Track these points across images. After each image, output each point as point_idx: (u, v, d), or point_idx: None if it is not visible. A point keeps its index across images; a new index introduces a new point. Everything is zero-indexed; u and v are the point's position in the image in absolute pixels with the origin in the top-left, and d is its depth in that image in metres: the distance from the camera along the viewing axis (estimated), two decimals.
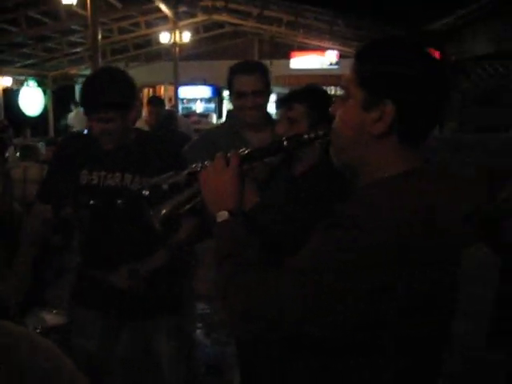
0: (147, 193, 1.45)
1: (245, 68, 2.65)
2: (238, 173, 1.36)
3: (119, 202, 1.61)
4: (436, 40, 10.59)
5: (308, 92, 2.20)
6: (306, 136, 1.41)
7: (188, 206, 1.46)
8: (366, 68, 1.21)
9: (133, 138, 2.37)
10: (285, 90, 2.60)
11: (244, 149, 1.41)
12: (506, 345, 2.17)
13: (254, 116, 2.61)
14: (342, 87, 1.27)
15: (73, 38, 13.55)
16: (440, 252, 1.16)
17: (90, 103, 2.23)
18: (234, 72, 2.65)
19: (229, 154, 1.39)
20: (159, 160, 2.28)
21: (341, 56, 16.53)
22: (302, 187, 2.05)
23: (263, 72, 2.66)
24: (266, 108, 2.68)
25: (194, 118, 15.62)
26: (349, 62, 1.27)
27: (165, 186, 1.44)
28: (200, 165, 1.43)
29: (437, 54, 10.76)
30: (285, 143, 1.41)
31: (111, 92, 2.18)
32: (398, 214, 1.12)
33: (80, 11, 9.35)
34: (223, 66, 2.75)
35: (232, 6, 13.37)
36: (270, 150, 1.42)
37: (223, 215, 1.32)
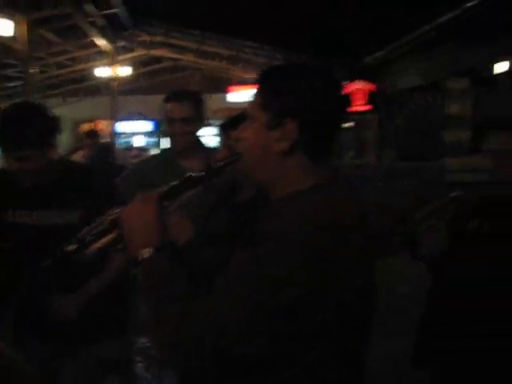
0: (74, 247, 1.44)
1: (175, 96, 2.69)
2: (158, 211, 1.36)
3: (45, 263, 1.58)
4: (371, 73, 10.96)
5: (243, 118, 2.22)
6: (218, 164, 1.43)
7: (118, 247, 1.45)
8: (268, 91, 1.29)
9: (57, 172, 2.30)
10: None
11: (164, 187, 1.42)
12: (432, 362, 2.23)
13: (182, 142, 2.63)
14: (247, 112, 1.34)
15: (8, 73, 13.35)
16: (356, 264, 1.20)
17: (4, 142, 2.14)
18: (166, 100, 2.70)
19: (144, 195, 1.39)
20: (89, 193, 2.24)
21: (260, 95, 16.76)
22: (242, 214, 2.06)
23: (194, 100, 2.69)
24: (195, 135, 2.71)
25: (134, 152, 15.52)
26: None
27: (89, 239, 1.43)
28: (120, 209, 1.43)
29: (372, 87, 11.13)
30: (193, 175, 1.42)
31: (27, 131, 2.08)
32: (311, 227, 1.16)
33: (16, 45, 9.24)
34: (162, 101, 2.78)
35: (170, 41, 13.47)
36: (186, 184, 1.43)
37: (146, 252, 1.31)
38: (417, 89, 10.28)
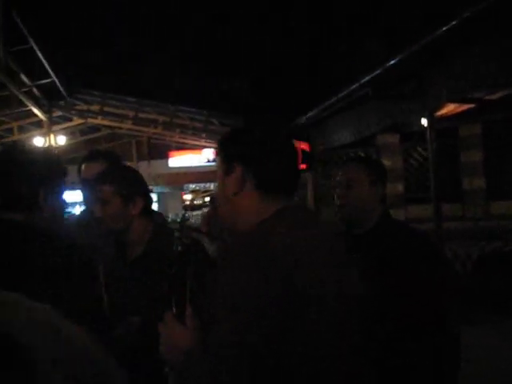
0: None
1: (89, 156, 2.73)
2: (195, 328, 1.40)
3: None
4: (304, 132, 11.29)
5: (114, 172, 2.28)
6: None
7: None
8: (221, 144, 1.57)
9: None
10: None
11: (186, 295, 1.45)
12: None
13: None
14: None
15: None
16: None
17: None
18: (80, 162, 2.73)
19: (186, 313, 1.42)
20: None
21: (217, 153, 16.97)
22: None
23: (107, 159, 2.67)
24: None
25: None
26: None
27: None
28: None
29: (306, 146, 11.46)
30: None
31: None
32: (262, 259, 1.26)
33: None
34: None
35: (107, 109, 13.53)
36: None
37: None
38: (349, 146, 10.65)
